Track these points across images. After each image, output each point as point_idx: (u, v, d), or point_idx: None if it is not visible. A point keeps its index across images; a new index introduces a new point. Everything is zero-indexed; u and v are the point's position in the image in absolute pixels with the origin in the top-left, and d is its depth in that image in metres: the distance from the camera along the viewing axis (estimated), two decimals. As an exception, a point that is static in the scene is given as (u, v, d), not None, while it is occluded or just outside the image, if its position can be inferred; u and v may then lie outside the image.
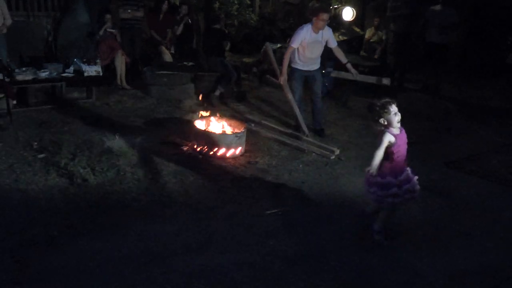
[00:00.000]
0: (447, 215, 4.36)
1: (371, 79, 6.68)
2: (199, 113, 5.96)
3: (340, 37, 9.67)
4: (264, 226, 3.98)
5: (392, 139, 3.50)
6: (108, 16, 7.65)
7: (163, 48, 8.45)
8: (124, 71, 7.70)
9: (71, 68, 6.96)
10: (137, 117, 6.47)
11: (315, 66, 6.33)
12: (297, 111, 6.34)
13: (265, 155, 5.55)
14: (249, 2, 10.50)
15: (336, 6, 10.35)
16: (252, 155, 5.52)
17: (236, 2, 9.71)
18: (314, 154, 5.66)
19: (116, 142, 5.44)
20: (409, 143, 3.71)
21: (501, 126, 7.13)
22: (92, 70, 6.95)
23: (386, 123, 3.50)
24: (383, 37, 9.56)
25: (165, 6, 8.42)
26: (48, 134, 5.55)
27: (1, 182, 4.41)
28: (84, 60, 7.09)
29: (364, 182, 3.80)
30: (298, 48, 6.13)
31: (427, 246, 3.80)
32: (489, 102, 8.64)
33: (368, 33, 10.07)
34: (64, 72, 6.88)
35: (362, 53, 9.84)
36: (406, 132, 3.68)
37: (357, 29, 10.30)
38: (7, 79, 6.16)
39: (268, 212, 4.21)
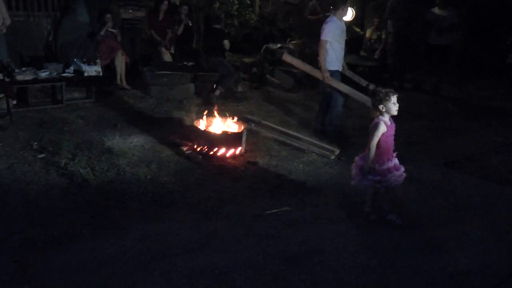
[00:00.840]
0: (447, 215, 4.36)
1: (356, 78, 6.57)
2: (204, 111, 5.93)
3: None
4: (264, 226, 3.97)
5: (385, 129, 3.80)
6: (108, 15, 7.65)
7: (163, 48, 8.45)
8: (124, 71, 7.70)
9: (71, 68, 6.96)
10: (137, 117, 6.47)
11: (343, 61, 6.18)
12: (358, 96, 6.03)
13: (265, 155, 5.55)
14: (249, 2, 10.51)
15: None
16: (252, 155, 5.52)
17: (236, 2, 9.71)
18: (314, 154, 5.66)
19: (116, 142, 5.44)
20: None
21: (501, 126, 7.13)
22: (92, 70, 6.95)
23: (384, 110, 3.80)
24: (383, 37, 9.56)
25: (164, 6, 8.42)
26: (48, 134, 5.55)
27: (1, 182, 4.41)
28: (84, 60, 7.09)
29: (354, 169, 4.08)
30: (331, 43, 5.80)
31: (427, 246, 3.80)
32: (489, 102, 8.63)
33: (368, 33, 10.07)
34: (64, 72, 6.89)
35: (362, 53, 9.84)
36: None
37: (357, 29, 10.30)
38: (7, 79, 6.16)
39: (268, 212, 4.21)
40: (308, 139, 6.03)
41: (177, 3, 9.56)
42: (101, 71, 7.07)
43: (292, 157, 5.54)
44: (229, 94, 7.70)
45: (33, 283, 3.10)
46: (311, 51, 9.05)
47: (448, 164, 5.62)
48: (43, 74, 6.63)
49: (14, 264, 3.25)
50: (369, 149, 3.84)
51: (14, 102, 6.22)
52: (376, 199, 4.11)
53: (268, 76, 8.90)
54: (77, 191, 4.36)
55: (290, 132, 6.23)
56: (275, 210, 4.23)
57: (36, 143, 5.27)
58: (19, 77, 6.41)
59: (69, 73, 6.89)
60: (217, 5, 9.46)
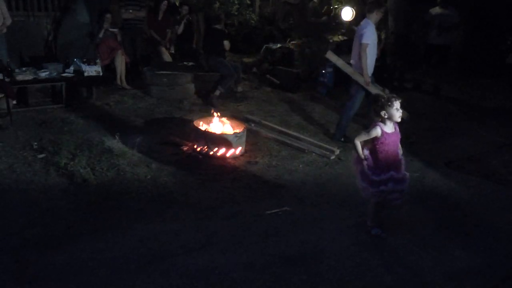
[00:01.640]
0: (447, 215, 4.36)
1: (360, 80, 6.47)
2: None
3: (340, 37, 9.67)
4: (264, 226, 3.98)
5: (379, 133, 3.60)
6: (108, 15, 7.65)
7: (163, 48, 8.45)
8: (124, 71, 7.69)
9: (71, 68, 6.95)
10: (137, 117, 6.47)
11: None
12: None
13: (265, 155, 5.55)
14: (249, 2, 10.50)
15: (336, 6, 10.36)
16: (252, 155, 5.52)
17: (236, 2, 9.71)
18: (314, 154, 5.66)
19: (116, 142, 5.44)
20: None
21: (501, 126, 7.13)
22: (92, 70, 6.95)
23: (386, 116, 3.61)
24: (382, 37, 9.56)
25: (164, 6, 8.42)
26: (48, 134, 5.55)
27: (1, 182, 4.41)
28: (84, 60, 7.08)
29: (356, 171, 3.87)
30: (369, 46, 5.79)
31: (427, 246, 3.79)
32: (489, 102, 8.63)
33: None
34: (64, 72, 6.88)
35: (362, 53, 9.81)
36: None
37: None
38: (7, 79, 6.16)
39: (268, 212, 4.21)
40: (308, 139, 6.03)
41: (177, 3, 9.56)
42: (101, 71, 7.07)
43: (292, 157, 5.54)
44: (229, 94, 7.69)
45: (33, 283, 3.10)
46: (311, 51, 9.07)
47: (448, 164, 5.62)
48: (43, 74, 6.62)
49: (14, 264, 3.25)
50: (355, 146, 3.67)
51: (14, 102, 6.21)
52: (377, 212, 3.88)
53: (268, 76, 8.89)
54: (77, 191, 4.36)
55: (290, 132, 6.24)
56: (275, 210, 4.24)
57: (36, 143, 5.27)
58: (19, 77, 6.40)
59: (69, 73, 6.89)
60: (217, 5, 9.46)
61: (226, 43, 7.59)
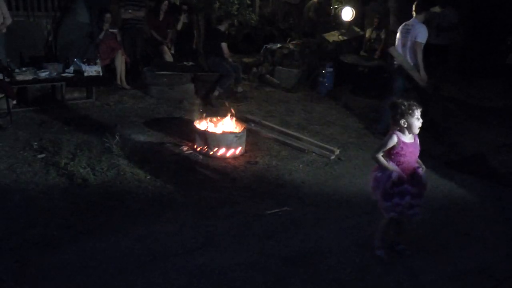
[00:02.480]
0: (447, 215, 4.36)
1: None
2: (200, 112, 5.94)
3: (340, 37, 9.67)
4: (264, 226, 3.98)
5: (395, 142, 3.34)
6: (107, 15, 7.65)
7: (165, 48, 8.44)
8: (124, 71, 7.70)
9: (71, 68, 6.96)
10: (137, 117, 6.47)
11: None
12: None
13: (265, 155, 5.55)
14: (249, 2, 10.48)
15: (336, 6, 10.35)
16: (252, 155, 5.52)
17: (236, 2, 9.70)
18: (314, 154, 5.66)
19: (116, 142, 5.44)
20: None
21: (501, 126, 7.13)
22: (92, 70, 6.95)
23: (406, 125, 3.34)
24: (383, 37, 9.56)
25: (164, 6, 8.42)
26: (48, 134, 5.55)
27: (1, 182, 4.41)
28: (84, 60, 7.08)
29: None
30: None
31: (427, 246, 3.80)
32: (489, 102, 8.63)
33: (368, 33, 10.06)
34: (64, 72, 6.88)
35: (362, 53, 9.83)
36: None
37: (357, 29, 10.30)
38: (7, 79, 6.16)
39: (268, 212, 4.21)
40: (308, 139, 6.04)
41: (177, 3, 9.55)
42: (101, 71, 7.07)
43: (292, 157, 5.54)
44: (229, 94, 7.69)
45: (33, 283, 3.10)
46: (311, 51, 9.07)
47: (448, 164, 5.62)
48: (43, 74, 6.62)
49: (14, 264, 3.25)
50: (377, 159, 3.36)
51: (14, 102, 6.21)
52: (388, 231, 3.63)
53: (268, 76, 8.89)
54: (77, 191, 4.36)
55: (290, 132, 6.24)
56: (275, 210, 4.24)
57: (36, 143, 5.27)
58: (19, 77, 6.41)
59: (69, 73, 6.89)
60: (217, 5, 9.45)
61: (224, 46, 7.50)
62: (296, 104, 7.74)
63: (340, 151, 5.73)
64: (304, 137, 6.07)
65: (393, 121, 3.38)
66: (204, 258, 3.45)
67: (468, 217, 4.36)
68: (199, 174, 4.92)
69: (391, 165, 3.37)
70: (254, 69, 9.13)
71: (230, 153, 5.39)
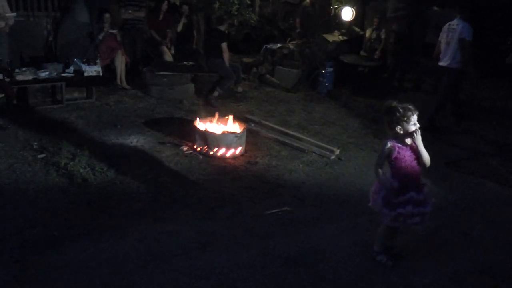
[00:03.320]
0: (447, 215, 4.36)
1: None
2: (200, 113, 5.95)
3: (340, 37, 9.67)
4: (264, 226, 3.98)
5: (389, 147, 3.23)
6: (107, 15, 7.64)
7: (164, 48, 8.44)
8: (124, 71, 7.69)
9: (71, 68, 6.96)
10: (137, 117, 6.47)
11: None
12: None
13: (265, 155, 5.55)
14: (249, 2, 10.48)
15: (336, 6, 10.34)
16: (252, 155, 5.52)
17: (236, 2, 9.70)
18: (314, 154, 5.66)
19: (116, 142, 5.44)
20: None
21: (501, 126, 7.13)
22: (92, 70, 6.95)
23: (401, 132, 3.22)
24: (383, 37, 9.56)
25: (164, 6, 8.41)
26: (48, 134, 5.55)
27: (1, 182, 4.41)
28: (84, 60, 7.08)
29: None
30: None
31: (427, 246, 3.80)
32: (489, 102, 8.63)
33: (368, 33, 10.06)
34: (64, 72, 6.88)
35: (362, 53, 9.83)
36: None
37: (357, 29, 10.30)
38: (7, 79, 6.16)
39: (268, 212, 4.21)
40: (308, 139, 6.03)
41: (177, 3, 9.55)
42: (101, 71, 7.07)
43: (292, 157, 5.54)
44: (229, 94, 7.69)
45: (33, 283, 3.10)
46: (311, 51, 9.07)
47: (448, 164, 5.62)
48: (43, 74, 6.62)
49: (14, 264, 3.25)
50: (376, 172, 3.27)
51: (14, 102, 6.21)
52: (387, 237, 3.53)
53: (268, 76, 8.89)
54: (77, 191, 4.36)
55: (290, 132, 6.24)
56: (275, 210, 4.24)
57: (36, 143, 5.27)
58: (19, 77, 6.41)
59: (69, 73, 6.89)
60: (217, 5, 9.45)
61: (225, 47, 7.47)
62: (296, 104, 7.74)
63: (340, 151, 5.73)
64: (304, 137, 6.07)
65: (389, 126, 3.27)
66: (204, 258, 3.45)
67: (468, 217, 4.36)
68: (199, 174, 4.92)
69: (384, 178, 3.26)
70: (254, 69, 9.12)
71: (230, 153, 5.39)
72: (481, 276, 3.46)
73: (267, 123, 6.49)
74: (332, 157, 5.59)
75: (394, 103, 3.27)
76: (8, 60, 6.68)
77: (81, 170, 4.70)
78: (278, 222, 4.05)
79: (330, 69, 8.45)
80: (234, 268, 3.34)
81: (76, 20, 8.07)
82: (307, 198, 4.56)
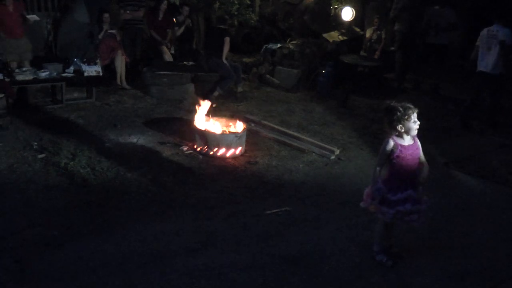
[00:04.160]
0: (447, 215, 4.36)
1: None
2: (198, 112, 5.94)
3: (340, 37, 9.67)
4: (264, 226, 3.98)
5: (391, 146, 3.26)
6: (106, 15, 7.64)
7: (164, 48, 8.43)
8: (124, 71, 7.69)
9: (71, 68, 6.96)
10: (137, 117, 6.47)
11: None
12: None
13: (265, 155, 5.55)
14: (249, 2, 10.48)
15: (336, 6, 10.34)
16: (252, 155, 5.52)
17: (236, 2, 9.70)
18: (314, 154, 5.66)
19: (116, 142, 5.44)
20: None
21: (501, 126, 7.12)
22: (92, 70, 6.95)
23: (403, 130, 3.26)
24: (383, 37, 9.56)
25: (164, 6, 8.41)
26: (48, 134, 5.55)
27: (1, 182, 4.41)
28: (84, 60, 7.09)
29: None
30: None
31: (427, 246, 3.80)
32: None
33: (368, 33, 10.07)
34: (64, 72, 6.88)
35: (362, 53, 9.83)
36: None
37: (357, 29, 10.30)
38: (7, 79, 6.16)
39: (268, 212, 4.21)
40: (308, 139, 6.03)
41: (177, 3, 9.55)
42: (101, 71, 7.07)
43: (292, 157, 5.54)
44: (229, 94, 7.69)
45: (33, 283, 3.10)
46: (311, 51, 9.06)
47: (448, 164, 5.62)
48: (43, 74, 6.62)
49: (14, 264, 3.25)
50: (373, 171, 3.30)
51: (11, 101, 6.21)
52: (385, 235, 3.55)
53: (268, 76, 8.89)
54: (77, 191, 4.36)
55: (290, 132, 6.23)
56: (275, 210, 4.23)
57: (36, 143, 5.27)
58: (19, 77, 6.41)
59: (69, 73, 6.89)
60: (217, 5, 9.45)
61: (227, 41, 7.46)
62: (296, 104, 7.73)
63: (340, 151, 5.72)
64: (304, 137, 6.07)
65: (390, 126, 3.29)
66: (204, 258, 3.45)
67: (468, 217, 4.36)
68: (199, 174, 4.92)
69: (377, 180, 3.30)
70: (254, 69, 9.12)
71: (230, 153, 5.39)
72: (481, 276, 3.46)
73: (267, 123, 6.49)
74: (332, 157, 5.59)
75: (394, 102, 3.31)
76: (8, 60, 6.69)
77: (81, 170, 4.70)
78: (278, 222, 4.05)
79: (330, 69, 8.44)
80: (234, 268, 3.34)
81: (76, 20, 8.08)
82: (307, 198, 4.56)
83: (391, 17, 9.11)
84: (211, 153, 5.36)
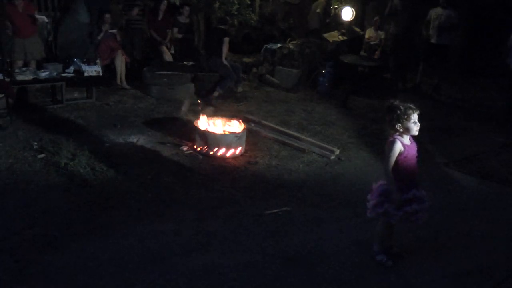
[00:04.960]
0: (447, 215, 4.36)
1: None
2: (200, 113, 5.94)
3: (340, 37, 9.67)
4: (264, 226, 3.98)
5: (400, 146, 3.25)
6: (107, 16, 7.65)
7: (164, 47, 8.44)
8: (124, 71, 7.70)
9: (71, 68, 6.96)
10: (137, 117, 6.47)
11: None
12: None
13: (265, 155, 5.55)
14: (249, 2, 10.48)
15: (336, 6, 10.34)
16: (252, 155, 5.52)
17: (236, 2, 9.70)
18: (314, 154, 5.66)
19: (116, 142, 5.44)
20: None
21: (501, 126, 7.12)
22: (92, 70, 6.95)
23: (402, 130, 3.27)
24: (382, 37, 9.56)
25: (163, 6, 8.41)
26: (48, 134, 5.55)
27: (1, 182, 4.41)
28: (84, 60, 7.09)
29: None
30: None
31: (427, 246, 3.80)
32: (489, 102, 8.63)
33: (368, 33, 10.07)
34: (64, 72, 6.88)
35: (362, 53, 9.82)
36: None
37: (357, 29, 10.30)
38: (7, 79, 6.16)
39: (268, 212, 4.21)
40: (308, 139, 6.03)
41: (177, 3, 9.55)
42: (101, 71, 7.07)
43: (292, 157, 5.54)
44: (229, 94, 7.69)
45: (33, 283, 3.10)
46: (311, 51, 9.07)
47: (448, 164, 5.62)
48: (43, 74, 6.62)
49: (14, 264, 3.25)
50: (386, 173, 3.28)
51: (11, 101, 6.21)
52: (386, 235, 3.55)
53: (268, 76, 8.89)
54: (77, 191, 4.36)
55: (290, 132, 6.23)
56: (275, 210, 4.24)
57: (36, 143, 5.27)
58: (19, 77, 6.41)
59: (69, 73, 6.89)
60: (217, 5, 9.45)
61: (226, 41, 7.47)
62: (296, 104, 7.74)
63: (340, 151, 5.73)
64: (304, 137, 6.07)
65: (390, 125, 3.29)
66: (204, 258, 3.45)
67: (468, 217, 4.36)
68: (199, 174, 4.92)
69: (394, 181, 3.29)
70: (254, 69, 9.12)
71: (230, 153, 5.39)
72: (481, 276, 3.46)
73: (267, 123, 6.49)
74: (332, 157, 5.59)
75: (397, 102, 3.32)
76: (8, 60, 6.69)
77: (81, 170, 4.70)
78: (278, 222, 4.05)
79: (330, 69, 8.44)
80: (234, 268, 3.34)
81: (76, 20, 8.07)
82: (307, 198, 4.56)
83: (385, 15, 9.13)
84: (211, 153, 5.36)
